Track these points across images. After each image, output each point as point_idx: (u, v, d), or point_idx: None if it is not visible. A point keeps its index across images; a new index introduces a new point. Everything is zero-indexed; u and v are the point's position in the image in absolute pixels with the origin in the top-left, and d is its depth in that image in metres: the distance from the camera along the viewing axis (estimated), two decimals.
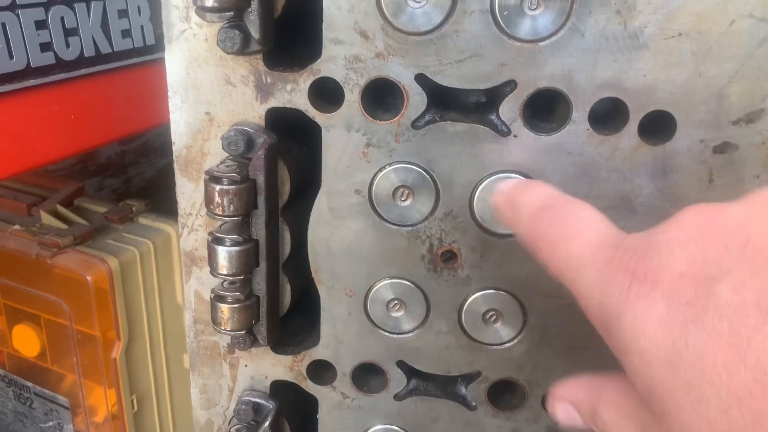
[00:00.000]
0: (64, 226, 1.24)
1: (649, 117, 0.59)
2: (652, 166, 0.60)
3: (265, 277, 0.66)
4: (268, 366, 0.74)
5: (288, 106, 0.63)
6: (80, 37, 0.84)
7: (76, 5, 0.83)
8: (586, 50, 0.57)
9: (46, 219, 1.26)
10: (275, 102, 0.63)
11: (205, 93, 0.64)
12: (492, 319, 0.68)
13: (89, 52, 0.86)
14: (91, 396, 1.26)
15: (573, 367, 0.68)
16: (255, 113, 0.64)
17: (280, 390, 0.76)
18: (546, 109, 0.63)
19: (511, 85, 0.59)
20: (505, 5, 0.56)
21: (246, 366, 0.75)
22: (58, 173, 1.84)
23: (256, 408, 0.74)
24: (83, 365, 1.23)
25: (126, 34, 0.92)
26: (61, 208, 1.29)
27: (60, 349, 1.25)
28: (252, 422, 0.73)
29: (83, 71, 0.86)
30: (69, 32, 0.83)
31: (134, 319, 1.22)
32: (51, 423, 1.32)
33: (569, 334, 0.66)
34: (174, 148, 0.66)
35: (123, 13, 0.90)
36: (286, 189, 0.66)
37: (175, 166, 0.67)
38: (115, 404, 1.24)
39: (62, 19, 0.82)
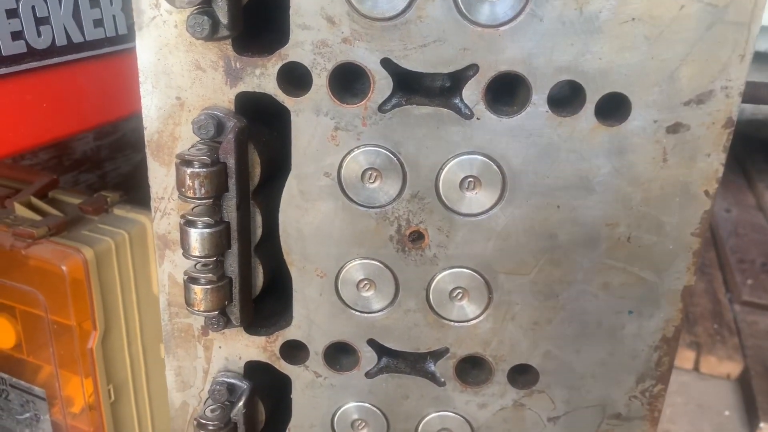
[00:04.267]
0: (38, 218, 1.24)
1: (606, 99, 0.61)
2: (608, 146, 0.63)
3: (237, 259, 0.67)
4: (241, 347, 0.76)
5: (257, 90, 0.64)
6: (52, 26, 0.85)
7: None
8: (544, 35, 0.59)
9: (20, 211, 1.26)
10: (245, 87, 0.64)
11: (175, 78, 0.65)
12: (458, 296, 0.70)
13: (61, 41, 0.87)
14: (68, 386, 1.26)
15: (537, 342, 0.70)
16: (225, 98, 0.65)
17: (254, 371, 0.77)
18: (508, 92, 0.65)
19: (473, 69, 0.61)
20: None
21: (220, 347, 0.76)
22: (32, 169, 1.83)
23: (231, 388, 0.75)
24: (59, 356, 1.23)
25: (98, 23, 0.92)
26: (35, 200, 1.29)
27: (36, 340, 1.25)
28: (227, 402, 0.75)
29: (55, 60, 0.86)
30: (40, 21, 0.83)
31: (110, 309, 1.23)
32: (28, 414, 1.32)
33: (532, 309, 0.68)
34: (146, 133, 0.68)
35: (95, 3, 0.91)
36: (256, 172, 0.68)
37: (147, 151, 0.68)
38: (92, 394, 1.25)
39: (33, 8, 0.82)
